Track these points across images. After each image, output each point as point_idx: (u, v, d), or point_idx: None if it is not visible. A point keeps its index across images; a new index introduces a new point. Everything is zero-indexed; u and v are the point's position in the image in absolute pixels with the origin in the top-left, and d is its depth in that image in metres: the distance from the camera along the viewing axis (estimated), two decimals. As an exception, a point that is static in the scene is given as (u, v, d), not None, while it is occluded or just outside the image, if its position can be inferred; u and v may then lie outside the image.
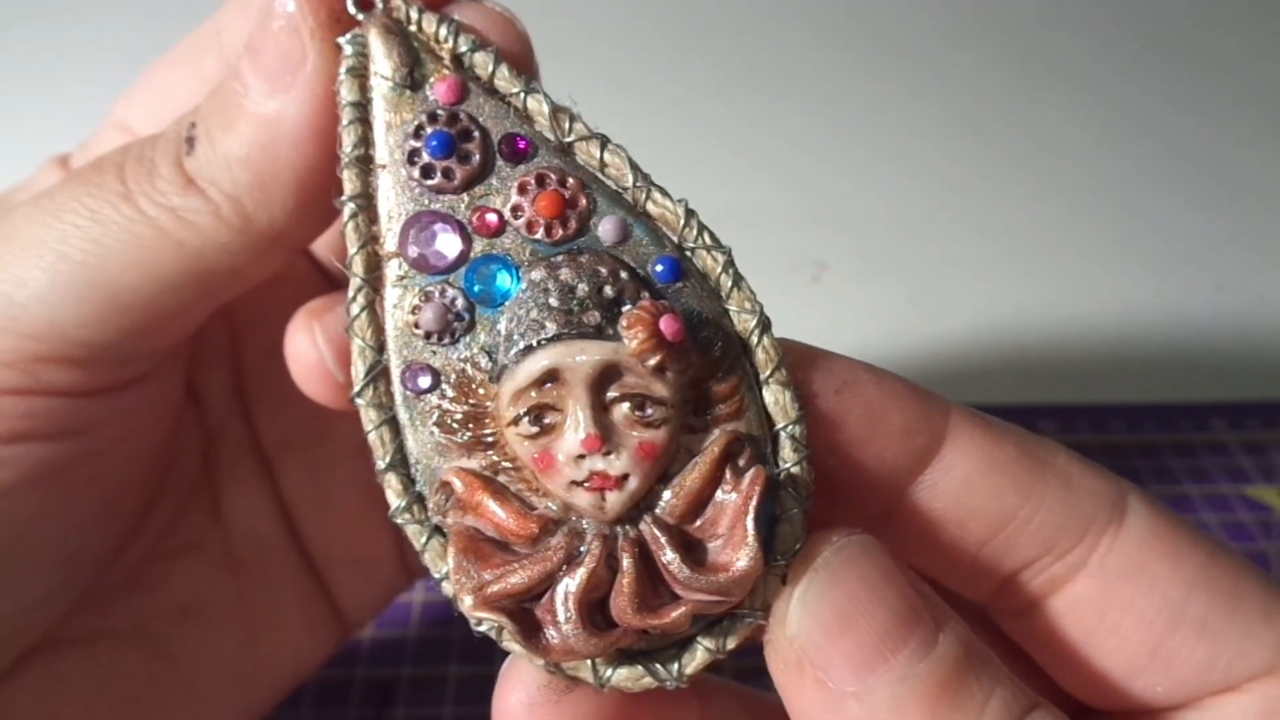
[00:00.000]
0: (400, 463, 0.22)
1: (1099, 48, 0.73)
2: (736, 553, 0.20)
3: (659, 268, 0.22)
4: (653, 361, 0.20)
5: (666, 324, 0.20)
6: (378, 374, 0.22)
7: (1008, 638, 0.25)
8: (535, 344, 0.21)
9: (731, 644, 0.21)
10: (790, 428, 0.22)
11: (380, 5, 0.22)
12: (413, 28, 0.22)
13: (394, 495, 0.22)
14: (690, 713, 0.23)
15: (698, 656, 0.21)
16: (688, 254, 0.22)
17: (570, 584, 0.20)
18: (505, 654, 0.22)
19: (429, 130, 0.22)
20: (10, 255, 0.24)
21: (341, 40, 0.22)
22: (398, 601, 0.40)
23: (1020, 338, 0.56)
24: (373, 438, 0.22)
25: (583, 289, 0.21)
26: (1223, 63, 0.72)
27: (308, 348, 0.27)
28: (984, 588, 0.24)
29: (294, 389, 0.28)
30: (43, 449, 0.25)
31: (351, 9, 0.23)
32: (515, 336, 0.21)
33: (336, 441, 0.33)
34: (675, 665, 0.21)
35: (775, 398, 0.22)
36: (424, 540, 0.22)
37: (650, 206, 0.22)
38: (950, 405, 0.23)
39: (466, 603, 0.20)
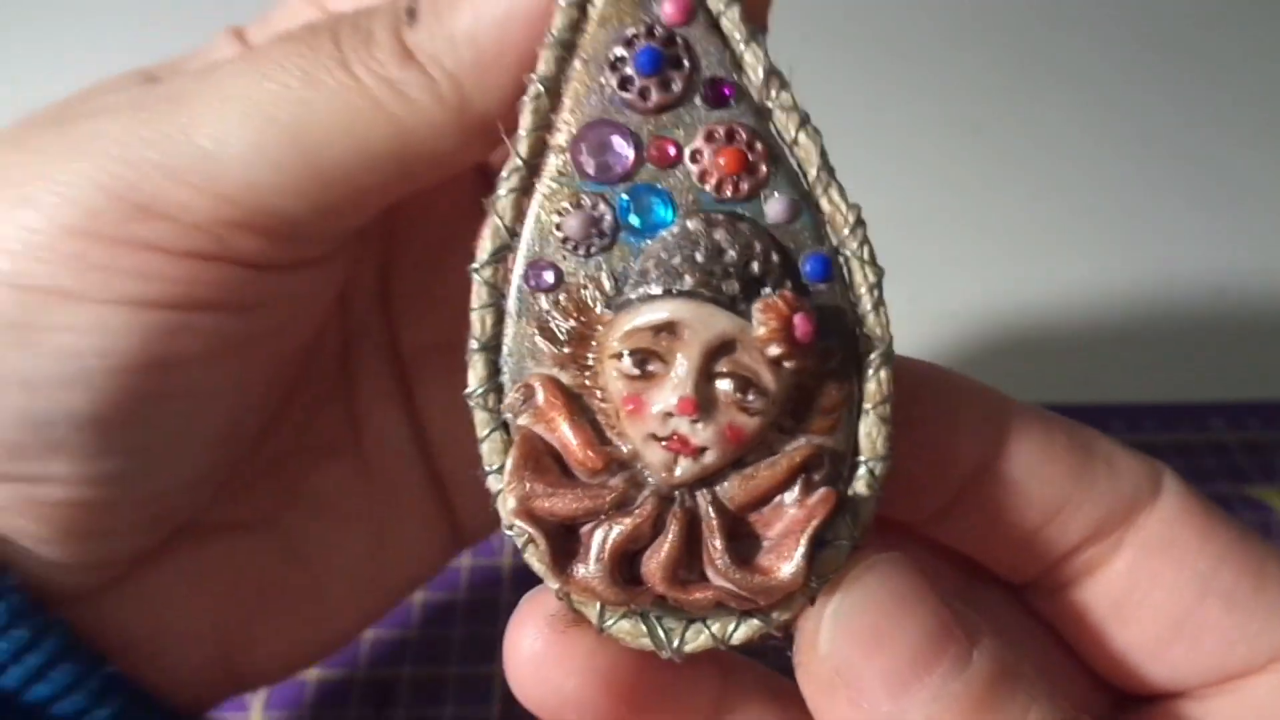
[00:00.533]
0: (493, 349, 0.22)
1: (1099, 48, 0.72)
2: (781, 562, 0.20)
3: (811, 264, 0.21)
4: (774, 352, 0.20)
5: (800, 322, 0.20)
6: (503, 255, 0.22)
7: (1043, 619, 0.26)
8: (667, 291, 0.20)
9: (736, 639, 0.21)
10: (873, 463, 0.21)
11: None
12: None
13: (475, 378, 0.22)
14: (709, 686, 0.24)
15: (700, 638, 0.21)
16: (842, 259, 0.22)
17: (613, 529, 0.20)
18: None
19: (643, 43, 0.21)
20: (213, 110, 0.23)
21: None
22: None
23: (1020, 338, 0.56)
24: (475, 315, 0.22)
25: (731, 256, 0.21)
26: (1223, 63, 0.71)
27: None
28: (1032, 570, 0.25)
29: (439, 297, 0.27)
30: (224, 320, 0.25)
31: (611, -106, 0.22)
32: (651, 275, 0.21)
33: None
34: (678, 639, 0.21)
35: (870, 430, 0.21)
36: (487, 431, 0.22)
37: (823, 201, 0.22)
38: (1009, 400, 0.24)
39: (509, 504, 0.21)
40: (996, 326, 0.56)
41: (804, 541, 0.20)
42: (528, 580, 0.22)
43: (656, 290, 0.20)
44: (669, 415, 0.20)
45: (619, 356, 0.20)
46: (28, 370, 0.23)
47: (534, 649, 0.22)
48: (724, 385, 0.20)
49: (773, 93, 0.22)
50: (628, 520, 0.20)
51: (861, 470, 0.21)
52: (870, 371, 0.21)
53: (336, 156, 0.23)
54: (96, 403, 0.24)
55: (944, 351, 0.55)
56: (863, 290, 0.22)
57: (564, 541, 0.21)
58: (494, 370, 0.22)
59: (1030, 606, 0.26)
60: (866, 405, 0.21)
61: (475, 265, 0.22)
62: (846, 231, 0.22)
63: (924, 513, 0.24)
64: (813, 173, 0.22)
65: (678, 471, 0.20)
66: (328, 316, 0.30)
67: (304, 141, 0.23)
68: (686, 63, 0.21)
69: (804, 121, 0.22)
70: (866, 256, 0.22)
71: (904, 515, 0.24)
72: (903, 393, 0.22)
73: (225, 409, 0.27)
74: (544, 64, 0.22)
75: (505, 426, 0.22)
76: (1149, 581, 0.24)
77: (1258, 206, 0.63)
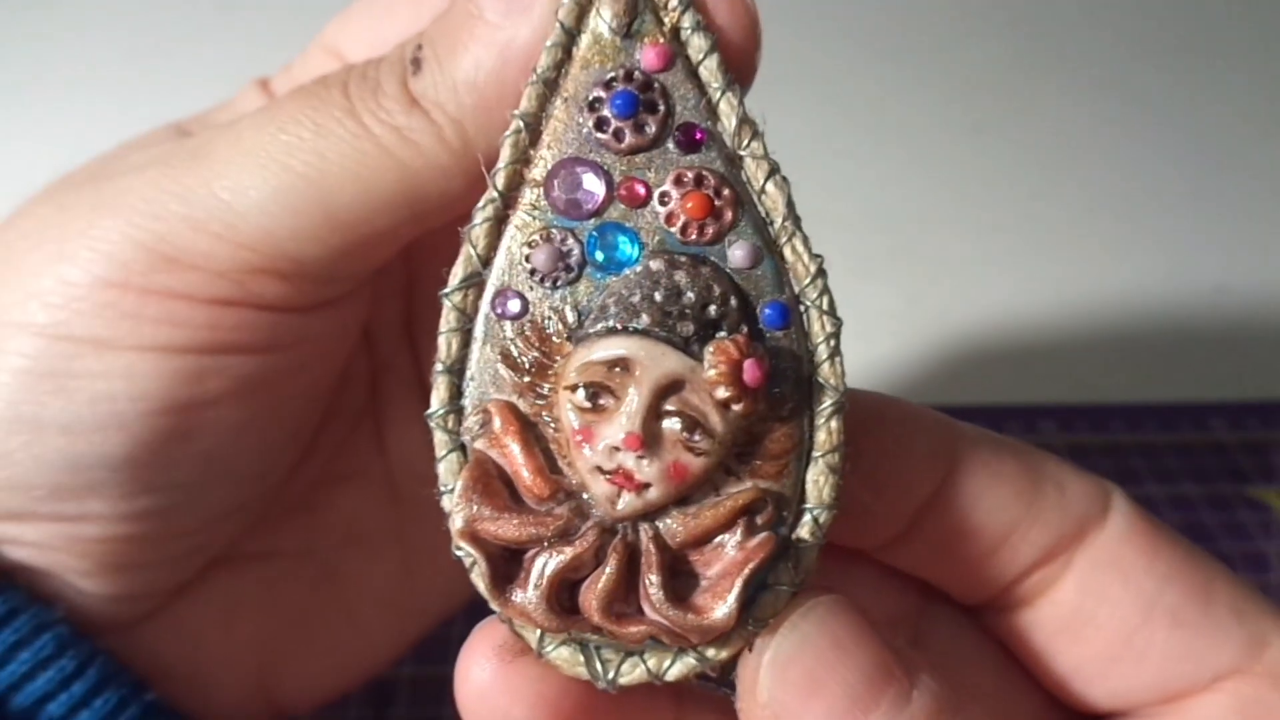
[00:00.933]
0: (457, 372, 0.22)
1: (1100, 48, 0.72)
2: (714, 603, 0.20)
3: (769, 310, 0.22)
4: (722, 395, 0.20)
5: (750, 367, 0.20)
6: (473, 284, 0.23)
7: (998, 639, 0.27)
8: (622, 328, 0.21)
9: (671, 675, 0.22)
10: (818, 511, 0.22)
11: None
12: None
13: (437, 399, 0.22)
14: (663, 711, 0.24)
15: (635, 671, 0.22)
16: (802, 308, 0.22)
17: (554, 557, 0.21)
18: None
19: (620, 87, 0.22)
20: (233, 163, 0.24)
21: None
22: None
23: (1020, 337, 0.56)
24: (442, 339, 0.22)
25: (689, 298, 0.21)
26: (1224, 62, 0.71)
27: None
28: (984, 593, 0.26)
29: None
30: (249, 361, 0.26)
31: (602, -56, 0.22)
32: (610, 311, 0.21)
33: None
34: (613, 670, 0.22)
35: (817, 478, 0.22)
36: (445, 452, 0.22)
37: (787, 250, 0.22)
38: (959, 425, 0.25)
39: (456, 525, 0.21)
40: (996, 326, 0.56)
41: (738, 584, 0.20)
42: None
43: (614, 326, 0.21)
44: (616, 449, 0.21)
45: (573, 388, 0.21)
46: (66, 416, 0.25)
47: (482, 678, 0.22)
48: (671, 424, 0.21)
49: (744, 141, 0.22)
50: (569, 549, 0.21)
51: (806, 517, 0.22)
52: (821, 420, 0.22)
53: (349, 201, 0.24)
54: (130, 444, 0.25)
55: (944, 351, 0.55)
56: (820, 340, 0.22)
57: (506, 566, 0.21)
58: (456, 393, 0.23)
59: (985, 627, 0.26)
60: (816, 453, 0.22)
61: (446, 291, 0.23)
62: (807, 281, 0.22)
63: (877, 540, 0.25)
64: (778, 221, 0.22)
65: (620, 505, 0.21)
66: (353, 352, 0.31)
67: (318, 188, 0.24)
68: (662, 107, 0.22)
69: (773, 171, 0.22)
70: (825, 306, 0.22)
71: (857, 543, 0.25)
72: (853, 424, 0.22)
73: (254, 446, 0.28)
74: (526, 100, 0.22)
75: (463, 449, 0.22)
76: (1097, 600, 0.24)
77: (1258, 207, 0.63)
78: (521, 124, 0.22)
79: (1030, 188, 0.63)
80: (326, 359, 0.29)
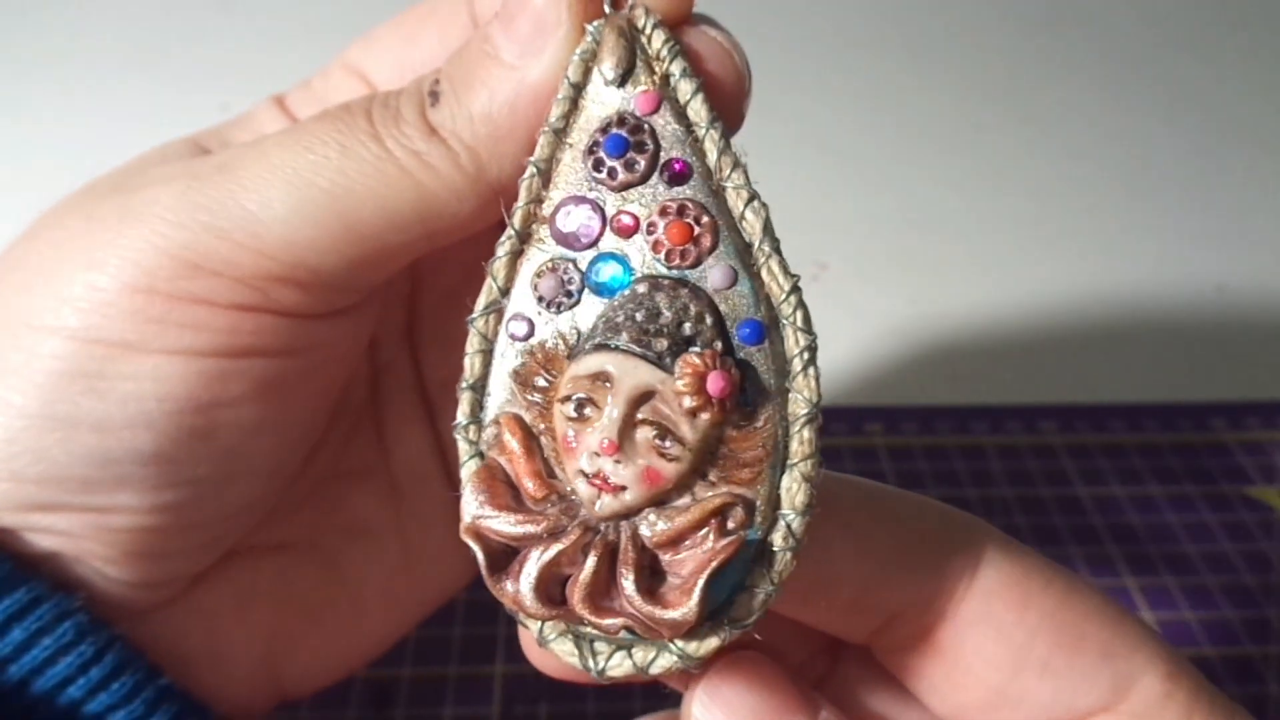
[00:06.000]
0: (480, 388, 0.25)
1: (1100, 47, 0.71)
2: (681, 599, 0.22)
3: (746, 328, 0.23)
4: (689, 404, 0.22)
5: (714, 379, 0.22)
6: (493, 310, 0.25)
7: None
8: (604, 344, 0.23)
9: (654, 670, 0.23)
10: (792, 517, 0.23)
11: (625, 9, 0.25)
12: (643, 38, 0.25)
13: (462, 412, 0.25)
14: None
15: (623, 665, 0.23)
16: (779, 325, 0.23)
17: (544, 552, 0.23)
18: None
19: (612, 130, 0.24)
20: (261, 178, 0.26)
21: (589, 25, 0.25)
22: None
23: (1020, 337, 0.56)
24: (468, 359, 0.25)
25: (666, 317, 0.23)
26: (1223, 61, 0.70)
27: None
28: (860, 634, 0.27)
29: (460, 336, 0.30)
30: (268, 365, 0.28)
31: (606, 7, 0.25)
32: (598, 331, 0.23)
33: None
34: (603, 662, 0.23)
35: (791, 486, 0.23)
36: (467, 458, 0.25)
37: (764, 271, 0.23)
38: (826, 480, 0.26)
39: (463, 522, 0.24)
40: (997, 326, 0.57)
41: (700, 583, 0.22)
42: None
43: (599, 343, 0.23)
44: (596, 455, 0.23)
45: (564, 400, 0.23)
46: (98, 414, 0.27)
47: None
48: (645, 432, 0.22)
49: (725, 172, 0.24)
50: (556, 546, 0.23)
51: (780, 523, 0.23)
52: (795, 429, 0.23)
53: (368, 218, 0.27)
54: (158, 441, 0.27)
55: (944, 351, 0.55)
56: (794, 354, 0.23)
57: (504, 559, 0.23)
58: (478, 407, 0.25)
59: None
60: (790, 461, 0.23)
61: (471, 317, 0.26)
62: (782, 298, 0.23)
63: None
64: (756, 244, 0.23)
65: (599, 506, 0.23)
66: (360, 356, 0.34)
67: (340, 205, 0.26)
68: (650, 146, 0.24)
69: (751, 198, 0.24)
70: (800, 323, 0.23)
71: None
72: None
73: (271, 443, 0.30)
74: (540, 149, 0.25)
75: (482, 456, 0.25)
76: (972, 654, 0.25)
77: (1258, 207, 0.62)
78: (535, 169, 0.25)
79: (1031, 187, 0.64)
80: (338, 363, 0.31)
